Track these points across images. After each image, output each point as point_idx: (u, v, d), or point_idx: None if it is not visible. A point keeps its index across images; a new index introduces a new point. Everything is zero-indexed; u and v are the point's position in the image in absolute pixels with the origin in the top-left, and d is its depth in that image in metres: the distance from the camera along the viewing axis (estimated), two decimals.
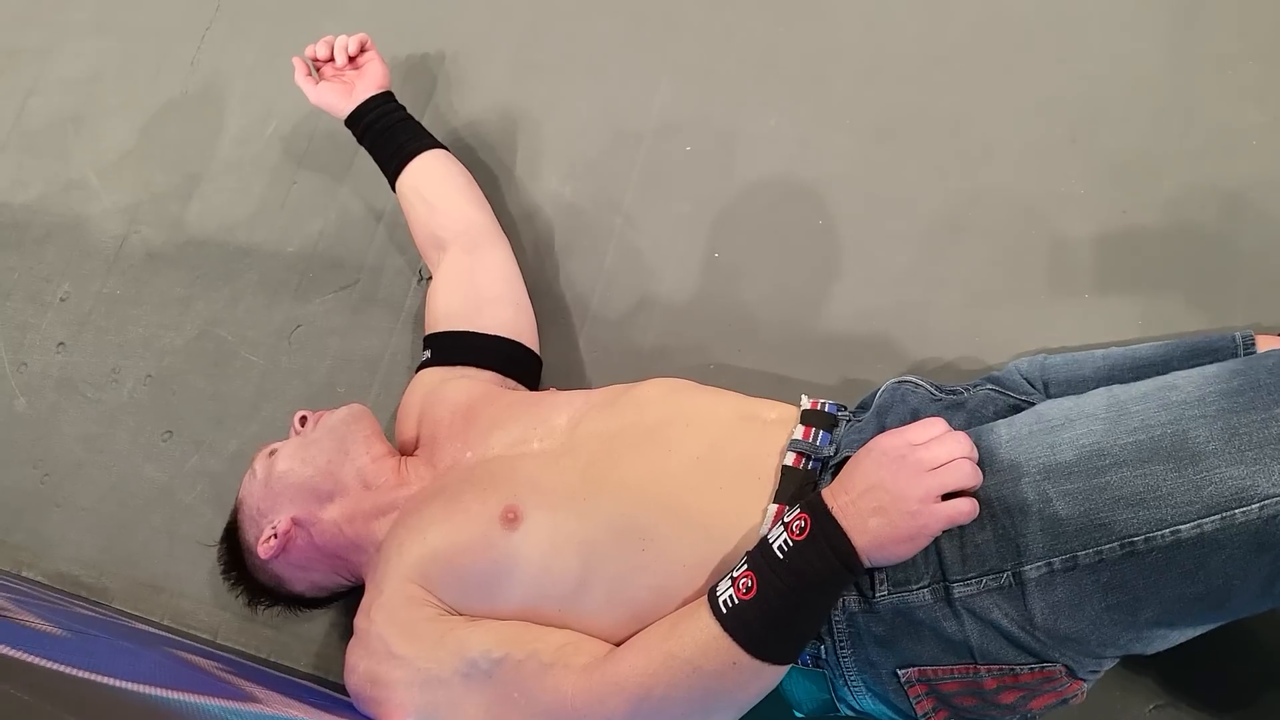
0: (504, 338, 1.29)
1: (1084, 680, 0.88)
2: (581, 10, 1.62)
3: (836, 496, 0.83)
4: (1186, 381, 0.83)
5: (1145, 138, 1.25)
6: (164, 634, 1.39)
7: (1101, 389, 0.88)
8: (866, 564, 0.83)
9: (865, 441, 0.93)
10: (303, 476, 1.14)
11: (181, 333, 1.70)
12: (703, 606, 0.86)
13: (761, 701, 0.91)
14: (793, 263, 1.37)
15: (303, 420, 1.21)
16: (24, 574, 1.62)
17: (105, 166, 1.90)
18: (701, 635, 0.85)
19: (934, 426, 0.85)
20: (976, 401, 1.01)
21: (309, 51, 1.47)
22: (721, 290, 1.39)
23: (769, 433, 1.00)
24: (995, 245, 1.28)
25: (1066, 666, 0.85)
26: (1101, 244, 1.23)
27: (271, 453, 1.19)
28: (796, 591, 0.82)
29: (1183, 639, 0.86)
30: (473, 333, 1.28)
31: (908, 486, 0.81)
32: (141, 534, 1.58)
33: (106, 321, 1.77)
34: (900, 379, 1.06)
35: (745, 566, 0.85)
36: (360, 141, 1.42)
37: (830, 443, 0.99)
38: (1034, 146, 1.30)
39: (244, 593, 1.20)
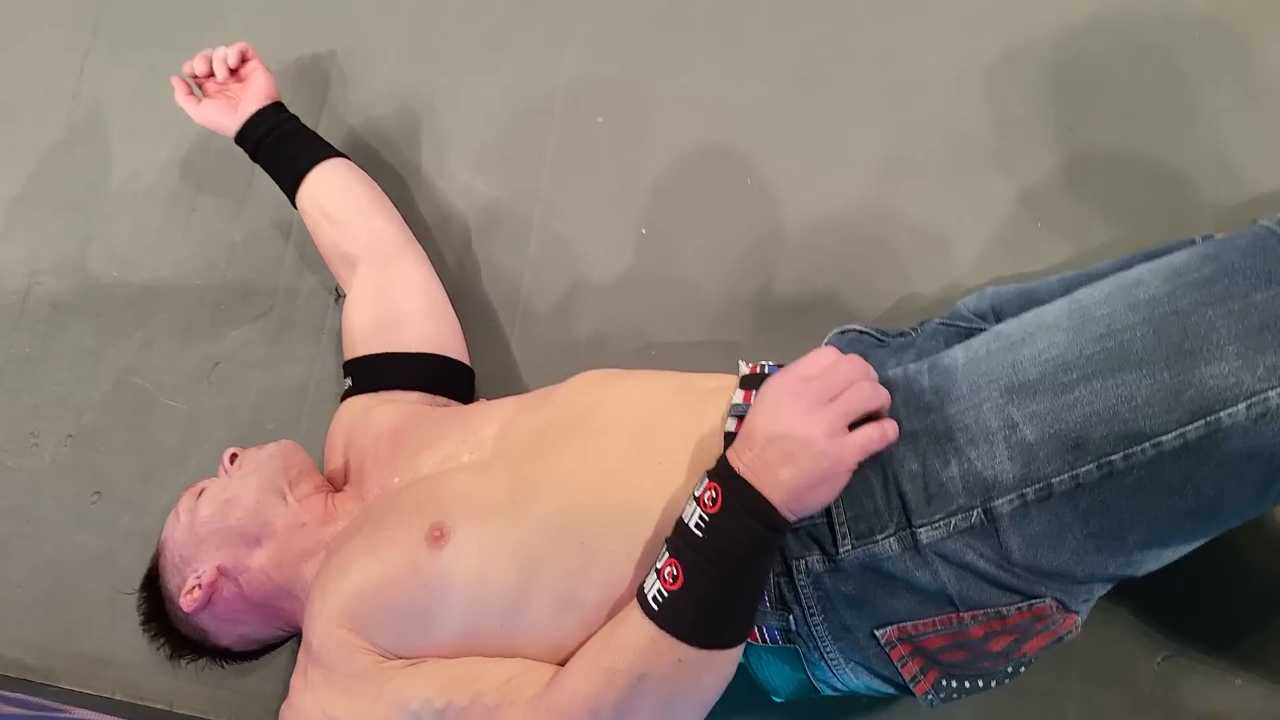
0: (428, 354, 1.19)
1: (1077, 613, 0.80)
2: None
3: (741, 455, 0.76)
4: (1153, 276, 0.75)
5: (1084, 44, 1.16)
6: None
7: (1062, 298, 0.80)
8: (791, 518, 0.75)
9: None
10: (229, 520, 1.04)
11: (97, 385, 1.59)
12: (634, 609, 0.78)
13: (740, 690, 0.84)
14: (725, 227, 1.27)
15: (233, 458, 1.12)
16: None
17: None
18: (637, 639, 0.76)
19: (822, 356, 0.78)
20: (925, 337, 0.94)
21: (186, 68, 1.35)
22: (653, 267, 1.29)
23: (707, 403, 0.91)
24: (937, 181, 1.19)
25: (1056, 600, 0.77)
26: (1049, 166, 1.14)
27: (200, 492, 1.09)
28: (724, 568, 0.75)
29: (1176, 556, 0.79)
30: (393, 354, 1.18)
31: (810, 425, 0.74)
32: (81, 606, 1.48)
33: (19, 383, 1.66)
34: (843, 329, 1.00)
35: (667, 554, 0.77)
36: (253, 159, 1.31)
37: None
38: (966, 71, 1.21)
39: (165, 645, 1.10)
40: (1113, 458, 0.71)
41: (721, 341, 1.23)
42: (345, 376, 1.22)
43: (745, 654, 0.84)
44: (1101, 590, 0.81)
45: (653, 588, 0.77)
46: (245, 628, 1.06)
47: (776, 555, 0.80)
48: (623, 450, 0.89)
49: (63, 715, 1.10)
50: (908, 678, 0.81)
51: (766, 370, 0.96)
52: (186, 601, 1.02)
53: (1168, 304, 0.72)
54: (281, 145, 1.28)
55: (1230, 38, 1.10)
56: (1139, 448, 0.71)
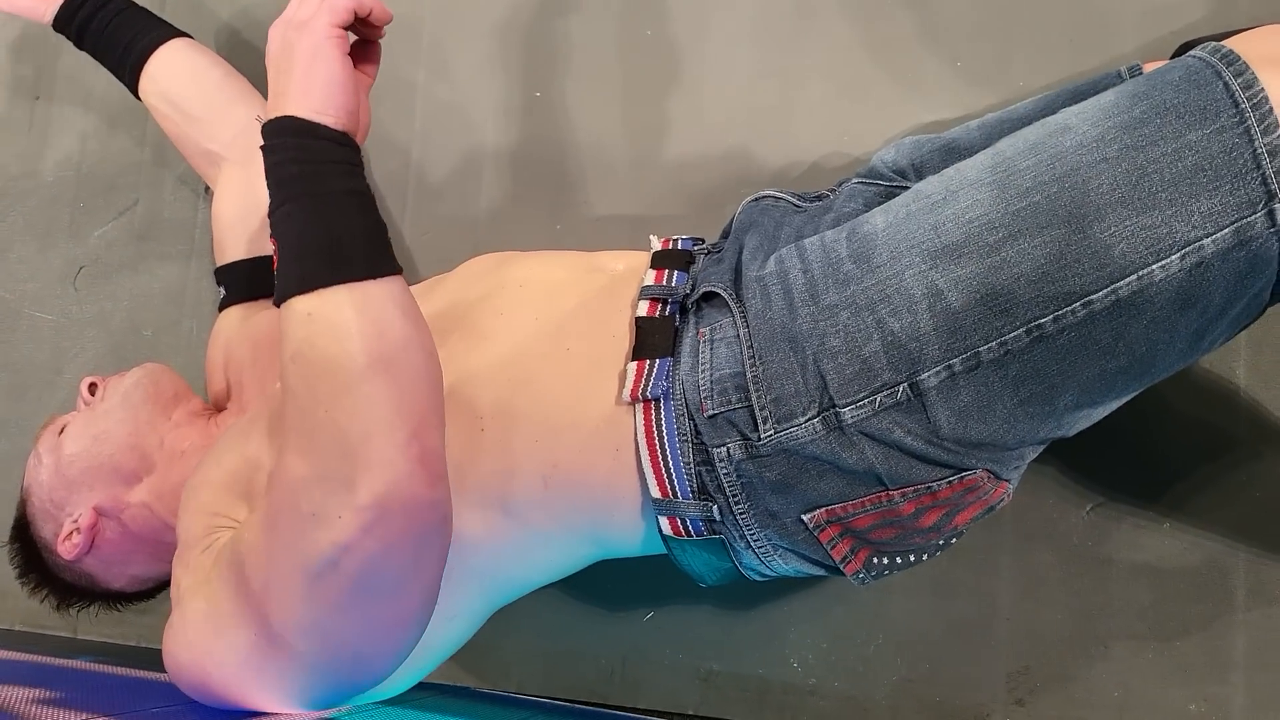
0: None
1: (1008, 481, 0.77)
2: None
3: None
4: (1081, 120, 0.69)
5: None
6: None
7: (985, 150, 0.74)
8: (316, 118, 0.68)
9: (724, 272, 0.80)
10: (100, 456, 0.95)
11: None
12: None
13: (666, 574, 0.83)
14: (625, 86, 1.17)
15: (91, 388, 1.01)
16: None
17: None
18: (285, 330, 0.67)
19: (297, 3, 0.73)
20: (843, 199, 0.87)
21: None
22: (552, 134, 1.19)
23: (617, 285, 0.85)
24: (848, 26, 1.10)
25: (988, 470, 0.74)
26: (965, 1, 1.06)
27: (61, 429, 0.99)
28: (292, 199, 0.68)
29: (1106, 413, 0.75)
30: (266, 256, 1.07)
31: (289, 40, 0.70)
32: None
33: None
34: (758, 195, 0.92)
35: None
36: (79, 46, 1.15)
37: (686, 281, 0.84)
38: None
39: (49, 596, 1.01)
40: (1042, 321, 0.67)
41: (630, 215, 1.15)
42: (218, 285, 1.11)
43: (669, 545, 0.80)
44: (1032, 455, 0.78)
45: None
46: (136, 567, 0.98)
47: (342, 156, 0.70)
48: (526, 335, 0.82)
49: None
50: (838, 559, 0.78)
51: (679, 245, 0.89)
52: (66, 548, 0.94)
53: (1096, 150, 0.66)
54: (109, 29, 1.12)
55: None
56: (1069, 308, 0.66)
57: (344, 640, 0.70)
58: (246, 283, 1.08)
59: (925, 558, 0.80)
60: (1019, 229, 0.67)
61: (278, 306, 0.68)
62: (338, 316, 0.66)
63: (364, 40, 0.81)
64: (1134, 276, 0.65)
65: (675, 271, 0.84)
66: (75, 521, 0.94)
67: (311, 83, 0.69)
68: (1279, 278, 0.67)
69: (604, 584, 1.08)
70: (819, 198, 0.91)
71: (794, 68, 1.11)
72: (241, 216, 1.09)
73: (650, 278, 0.83)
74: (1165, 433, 0.97)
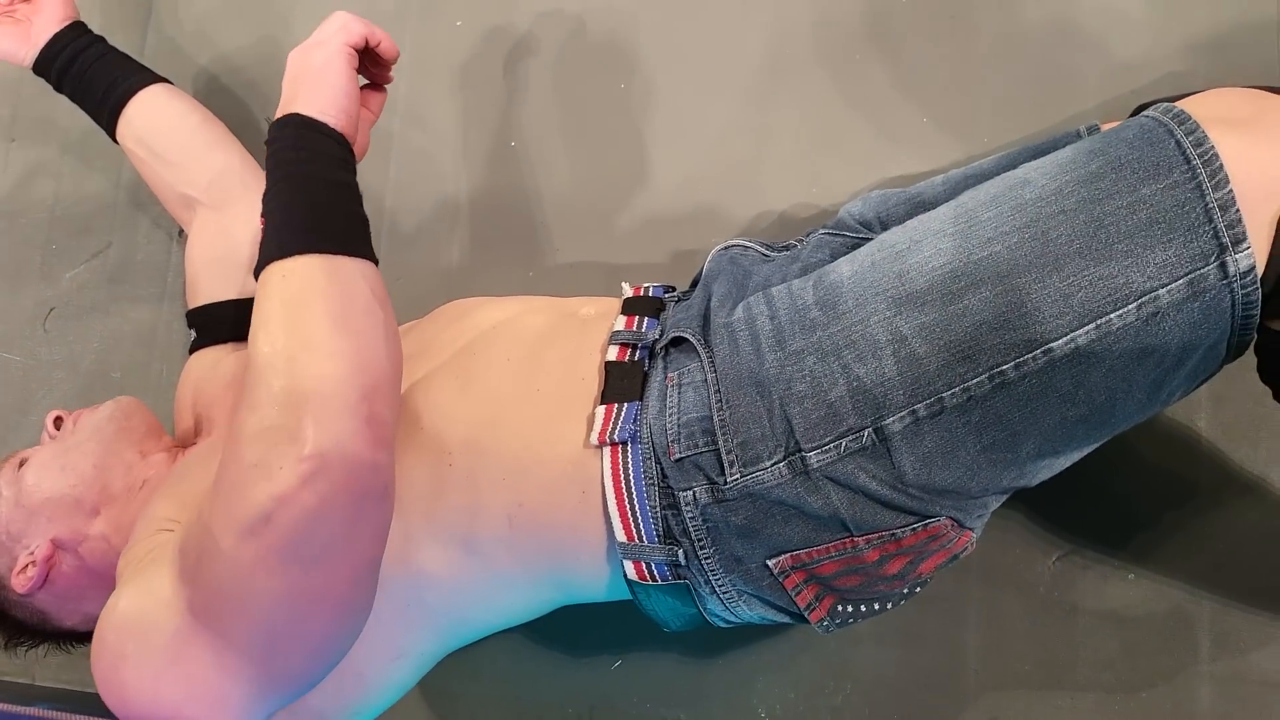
0: None
1: (972, 529, 0.78)
2: None
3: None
4: (1040, 175, 0.71)
5: None
6: None
7: (948, 202, 0.76)
8: (319, 116, 0.75)
9: (693, 318, 0.82)
10: (62, 488, 0.94)
11: None
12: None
13: (632, 618, 0.84)
14: (598, 137, 1.19)
15: (57, 422, 1.00)
16: None
17: None
18: (260, 291, 0.70)
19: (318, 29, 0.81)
20: (810, 248, 0.89)
21: None
22: (526, 183, 1.21)
23: (588, 329, 0.86)
24: (819, 80, 1.12)
25: (951, 518, 0.75)
26: (933, 58, 1.09)
27: (21, 463, 0.98)
28: (285, 179, 0.74)
29: (1069, 463, 0.77)
30: (240, 300, 1.07)
31: (306, 56, 0.79)
32: None
33: None
34: (727, 244, 0.94)
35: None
36: (58, 90, 1.15)
37: (656, 327, 0.85)
38: None
39: None
40: (1004, 367, 0.68)
41: (602, 263, 1.16)
42: (189, 328, 1.11)
43: (634, 590, 0.80)
44: (995, 504, 0.78)
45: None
46: (90, 604, 0.95)
47: (337, 154, 0.76)
48: (498, 375, 0.83)
49: None
50: (802, 606, 0.78)
51: (650, 292, 0.90)
52: (19, 582, 0.92)
53: (1055, 203, 0.68)
54: (88, 74, 1.11)
55: None
56: (1030, 355, 0.67)
57: (266, 617, 0.68)
58: (218, 326, 1.08)
59: (890, 606, 0.81)
60: (981, 277, 0.68)
61: (257, 277, 0.70)
62: (309, 278, 0.69)
63: (373, 84, 0.88)
64: (1092, 325, 0.66)
65: (645, 318, 0.85)
66: (31, 554, 0.92)
67: (319, 87, 0.76)
68: (1232, 331, 0.68)
69: (571, 631, 1.07)
70: (786, 247, 0.92)
71: (765, 122, 1.13)
72: (214, 260, 1.09)
73: (620, 323, 0.84)
74: (1130, 483, 0.98)
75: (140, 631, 0.71)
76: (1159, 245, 0.65)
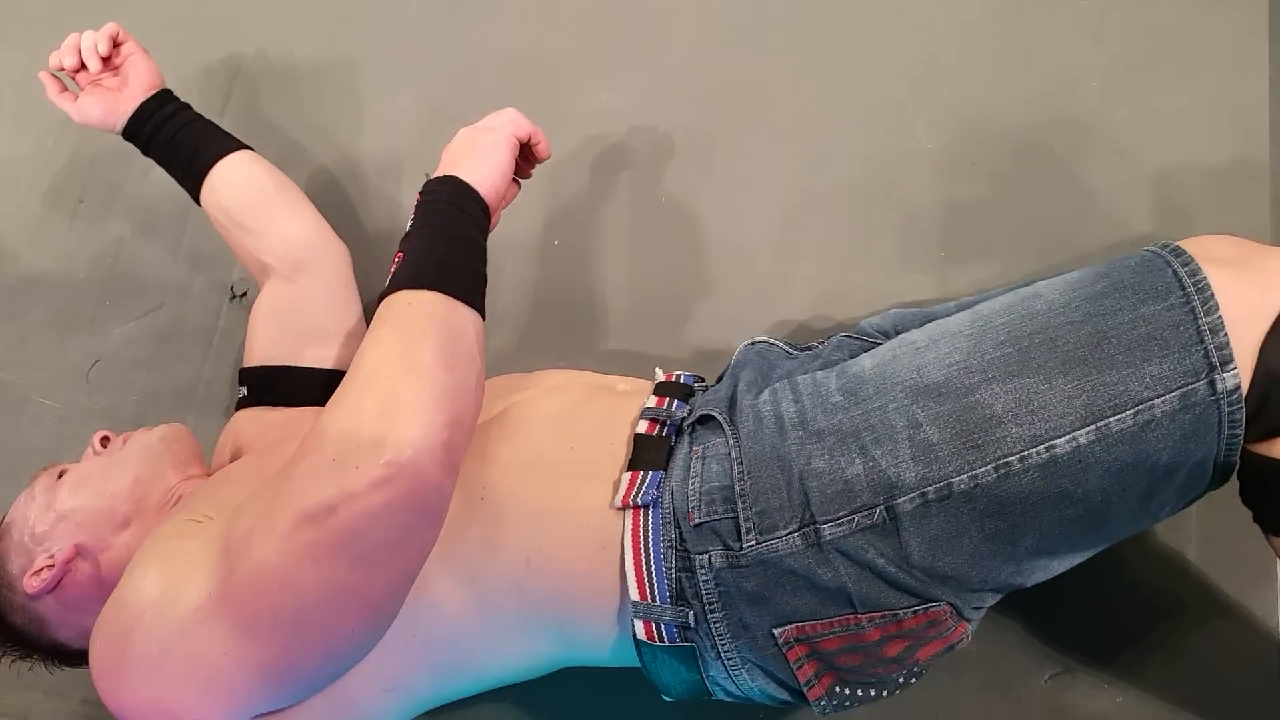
0: (329, 370, 1.13)
1: (969, 620, 0.82)
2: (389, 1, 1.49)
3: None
4: (1050, 290, 0.78)
5: (987, 86, 1.21)
6: None
7: (964, 311, 0.83)
8: (475, 185, 0.86)
9: (721, 400, 0.88)
10: (99, 497, 0.96)
11: None
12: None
13: (632, 685, 0.87)
14: (636, 243, 1.28)
15: (104, 441, 1.03)
16: None
17: None
18: (380, 312, 0.78)
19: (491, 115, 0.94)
20: (831, 349, 0.96)
21: (54, 61, 1.20)
22: (565, 279, 1.29)
23: (622, 403, 0.92)
24: (845, 208, 1.22)
25: (951, 605, 0.79)
26: (953, 199, 1.18)
27: (61, 473, 1.00)
28: (430, 225, 0.83)
29: (1063, 568, 0.81)
30: (294, 368, 1.13)
31: (477, 135, 0.91)
32: None
33: None
34: (754, 340, 1.01)
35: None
36: (147, 154, 1.21)
37: (684, 408, 0.91)
38: (876, 103, 1.24)
39: None
40: (1010, 459, 0.73)
41: (632, 353, 1.23)
42: (240, 384, 1.15)
43: (640, 651, 0.83)
44: (991, 600, 0.82)
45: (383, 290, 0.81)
46: (91, 619, 0.91)
47: (478, 220, 0.86)
48: (540, 428, 0.89)
49: None
50: (803, 681, 0.81)
51: (682, 379, 0.96)
52: (32, 583, 0.92)
53: (1063, 314, 0.75)
54: (174, 141, 1.17)
55: (1123, 89, 1.17)
56: (1034, 450, 0.73)
57: (299, 606, 0.70)
58: (268, 388, 1.12)
59: (886, 694, 0.84)
60: (993, 375, 0.74)
61: (381, 299, 0.77)
62: (430, 311, 0.76)
63: (516, 175, 0.98)
64: (1093, 426, 0.72)
65: (675, 400, 0.91)
66: (51, 557, 0.93)
67: (481, 164, 0.87)
68: (1218, 449, 0.74)
69: (564, 701, 1.09)
70: (808, 348, 0.99)
71: (793, 243, 1.22)
72: (277, 327, 1.14)
73: (652, 401, 0.90)
74: (1124, 604, 1.02)
75: (161, 600, 0.73)
76: (1156, 359, 0.72)
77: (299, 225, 1.16)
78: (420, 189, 0.86)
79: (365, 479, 0.68)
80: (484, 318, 0.82)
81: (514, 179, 0.98)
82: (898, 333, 0.96)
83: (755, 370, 0.91)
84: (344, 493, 0.68)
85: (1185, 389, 0.71)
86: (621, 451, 0.86)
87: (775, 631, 0.79)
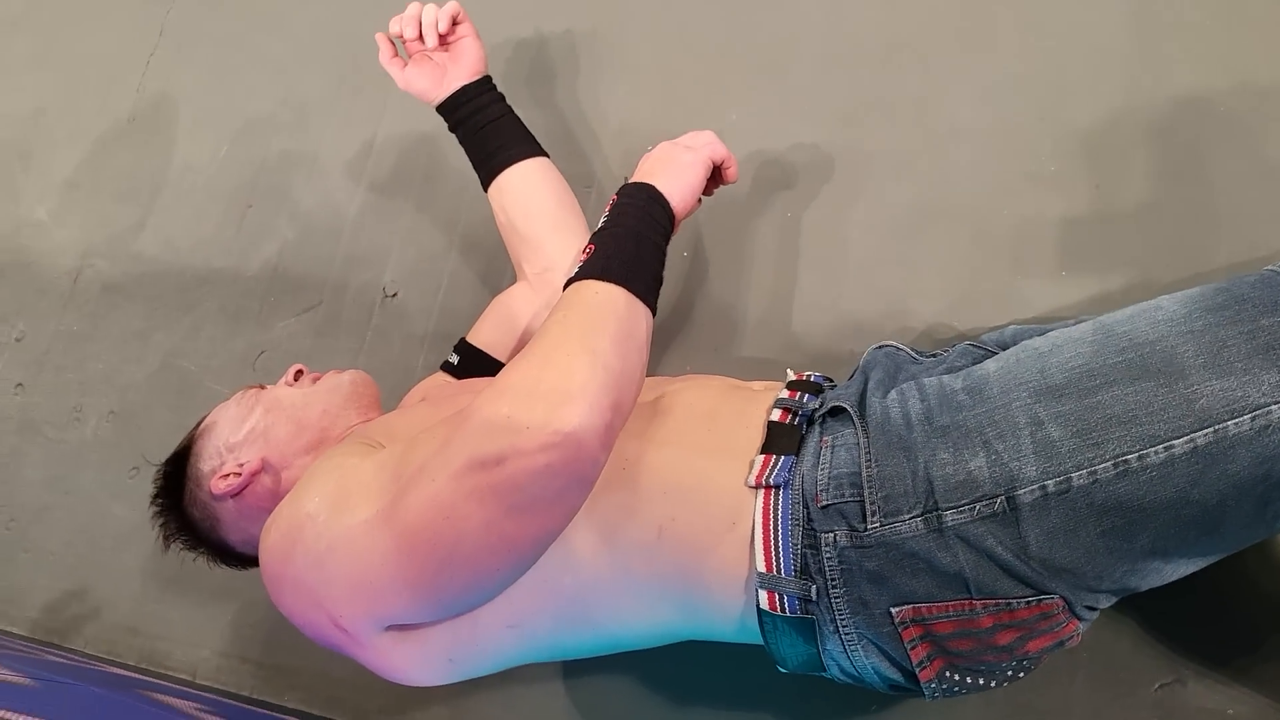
0: None
1: (1080, 619, 0.86)
2: (539, 14, 1.59)
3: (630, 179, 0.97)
4: (1171, 302, 0.82)
5: (1114, 110, 1.24)
6: (139, 677, 1.34)
7: (1087, 321, 0.87)
8: (665, 195, 0.94)
9: (851, 395, 0.94)
10: (291, 423, 1.07)
11: (143, 366, 1.65)
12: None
13: (748, 656, 0.92)
14: (764, 256, 1.34)
15: (297, 374, 1.15)
16: None
17: (54, 200, 1.85)
18: (565, 297, 0.86)
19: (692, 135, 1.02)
20: (955, 355, 1.01)
21: (394, 28, 1.25)
22: (693, 289, 1.36)
23: (758, 398, 0.99)
24: (969, 228, 1.26)
25: (1064, 599, 0.83)
26: (1076, 221, 1.21)
27: (263, 387, 1.12)
28: (622, 226, 0.90)
29: (1177, 574, 0.84)
30: (498, 362, 1.23)
31: (677, 152, 0.99)
32: (112, 575, 1.53)
33: (65, 359, 1.72)
34: (881, 344, 1.07)
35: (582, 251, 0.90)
36: (452, 132, 1.29)
37: (815, 400, 0.97)
38: (1002, 126, 1.28)
39: (165, 525, 1.09)
40: (1128, 457, 0.77)
41: (761, 360, 1.30)
42: (454, 351, 1.25)
43: (762, 621, 0.89)
44: (1105, 602, 0.86)
45: (570, 270, 0.88)
46: (259, 527, 1.03)
47: (664, 228, 0.94)
48: (681, 410, 0.97)
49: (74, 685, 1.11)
50: (915, 662, 0.86)
51: (812, 378, 1.03)
52: (218, 484, 1.03)
53: (1184, 324, 0.79)
54: (482, 132, 1.25)
55: (1255, 114, 1.18)
56: (1152, 449, 0.77)
57: (458, 538, 0.77)
58: (473, 366, 1.22)
59: (994, 684, 0.88)
60: (1115, 378, 0.79)
61: (568, 285, 0.86)
62: (612, 302, 0.84)
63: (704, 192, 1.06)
64: (1210, 429, 0.76)
65: (806, 394, 0.98)
66: (240, 465, 1.04)
67: (676, 178, 0.96)
68: None
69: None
70: (934, 354, 1.04)
71: (917, 258, 1.27)
72: (506, 323, 1.24)
73: (785, 394, 0.97)
74: (1241, 616, 1.03)
75: (335, 506, 0.82)
76: (1274, 368, 0.75)
77: (561, 247, 1.24)
78: (617, 191, 0.95)
79: (534, 441, 0.76)
80: (655, 316, 0.89)
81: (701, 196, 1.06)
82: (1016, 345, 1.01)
83: (884, 370, 0.97)
84: (514, 448, 0.76)
85: None
86: (756, 436, 0.93)
87: (892, 610, 0.85)
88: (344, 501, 0.83)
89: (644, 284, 0.87)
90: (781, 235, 1.34)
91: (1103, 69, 1.26)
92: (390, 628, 0.86)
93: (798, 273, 1.32)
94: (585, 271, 0.86)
